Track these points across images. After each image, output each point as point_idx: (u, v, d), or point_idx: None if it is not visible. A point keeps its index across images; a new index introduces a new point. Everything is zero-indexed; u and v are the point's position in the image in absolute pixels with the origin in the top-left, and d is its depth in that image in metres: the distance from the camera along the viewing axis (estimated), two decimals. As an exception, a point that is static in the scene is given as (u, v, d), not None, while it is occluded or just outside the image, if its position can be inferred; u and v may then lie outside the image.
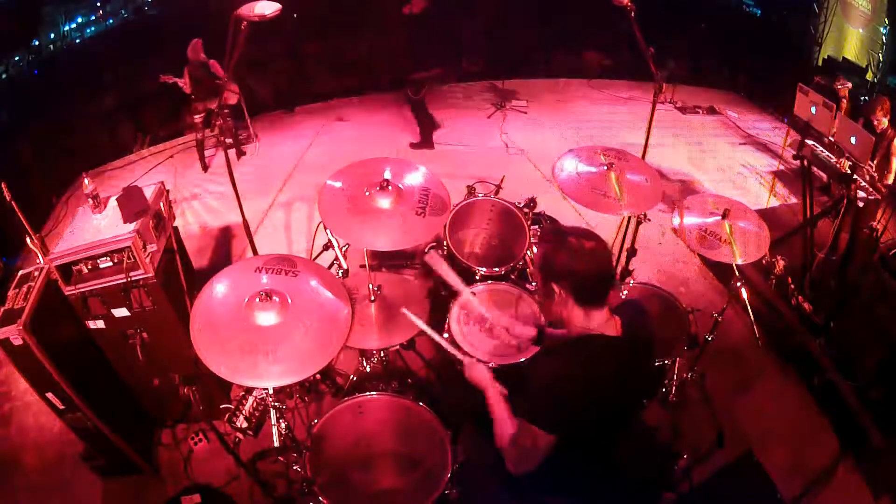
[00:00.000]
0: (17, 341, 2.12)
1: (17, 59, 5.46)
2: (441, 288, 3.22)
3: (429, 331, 2.14)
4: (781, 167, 5.55)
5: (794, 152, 4.03)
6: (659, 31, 3.70)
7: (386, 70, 7.25)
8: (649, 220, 3.04)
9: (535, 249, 3.13)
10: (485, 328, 2.53)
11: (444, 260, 2.30)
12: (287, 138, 6.38)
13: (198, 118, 5.45)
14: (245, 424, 2.15)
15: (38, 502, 2.82)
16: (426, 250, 3.36)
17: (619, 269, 3.40)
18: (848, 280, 3.49)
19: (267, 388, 2.06)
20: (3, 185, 2.49)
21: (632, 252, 3.37)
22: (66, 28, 6.10)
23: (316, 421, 2.28)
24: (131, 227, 2.39)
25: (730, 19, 7.43)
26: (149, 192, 2.60)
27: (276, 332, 1.86)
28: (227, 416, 2.16)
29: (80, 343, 2.53)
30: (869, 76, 5.78)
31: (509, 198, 3.30)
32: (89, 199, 2.50)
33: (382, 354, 2.94)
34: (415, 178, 2.47)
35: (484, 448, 1.90)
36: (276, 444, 2.14)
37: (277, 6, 2.50)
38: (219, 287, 2.00)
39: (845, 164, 3.80)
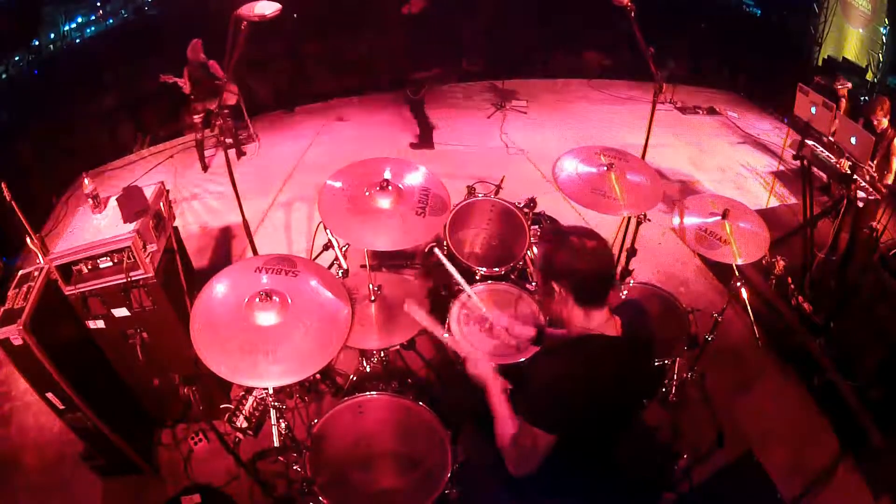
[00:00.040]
0: (17, 341, 2.12)
1: (17, 59, 5.46)
2: (441, 288, 3.23)
3: (430, 325, 2.11)
4: (781, 167, 5.55)
5: (794, 152, 4.03)
6: (659, 31, 3.71)
7: (386, 70, 7.25)
8: (649, 220, 3.03)
9: (535, 249, 3.13)
10: (485, 328, 2.53)
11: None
12: (287, 138, 6.38)
13: (197, 118, 5.45)
14: (245, 424, 2.15)
15: (38, 502, 2.82)
16: (427, 250, 3.37)
17: (619, 269, 3.40)
18: (848, 280, 3.49)
19: (267, 388, 2.06)
20: (3, 185, 2.49)
21: (632, 252, 3.37)
22: (66, 28, 6.10)
23: (316, 421, 2.28)
24: (131, 227, 2.39)
25: (730, 19, 7.43)
26: (149, 192, 2.60)
27: (276, 332, 1.86)
28: (227, 416, 2.16)
29: (80, 343, 2.53)
30: (869, 76, 5.78)
31: (509, 198, 3.30)
32: (89, 199, 2.50)
33: (382, 354, 2.94)
34: (415, 178, 2.47)
35: (484, 448, 1.90)
36: (276, 444, 2.14)
37: (277, 6, 2.50)
38: (219, 287, 2.00)
39: (845, 165, 3.80)
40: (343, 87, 7.46)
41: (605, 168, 2.73)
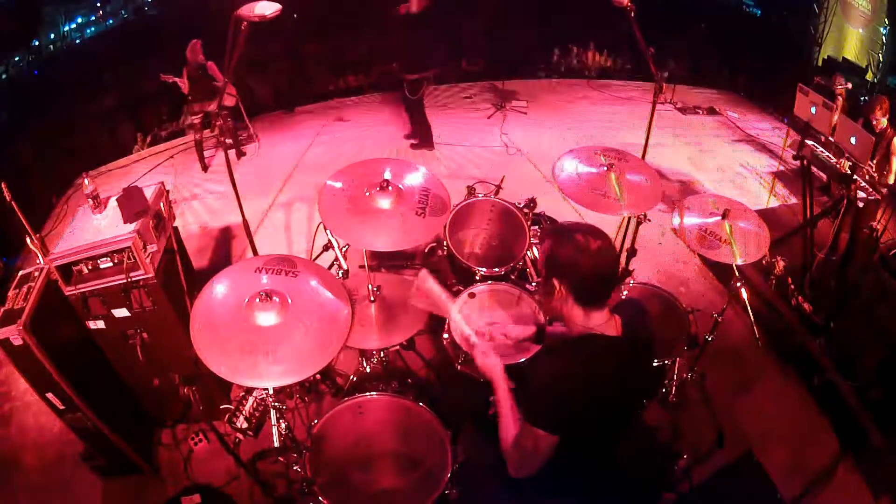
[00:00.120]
0: (17, 341, 2.12)
1: (17, 59, 5.47)
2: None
3: (443, 301, 2.01)
4: (781, 167, 5.55)
5: (794, 152, 4.03)
6: (659, 32, 3.71)
7: (386, 70, 7.25)
8: (649, 220, 3.03)
9: (535, 250, 3.13)
10: (486, 337, 2.53)
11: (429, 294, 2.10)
12: (287, 138, 6.38)
13: (195, 119, 5.45)
14: (245, 425, 2.15)
15: (38, 502, 2.82)
16: (426, 251, 3.37)
17: (619, 269, 3.40)
18: (848, 280, 3.49)
19: (267, 389, 2.06)
20: (3, 185, 2.50)
21: (632, 252, 3.37)
22: (66, 28, 6.10)
23: (316, 421, 2.28)
24: (131, 227, 2.39)
25: (730, 19, 7.44)
26: (149, 193, 2.60)
27: (276, 333, 1.86)
28: (227, 416, 2.16)
29: (80, 343, 2.53)
30: (869, 76, 5.79)
31: (509, 198, 3.30)
32: (89, 199, 2.50)
33: (382, 354, 2.94)
34: (415, 179, 2.47)
35: (484, 448, 1.90)
36: (276, 444, 2.14)
37: (277, 6, 2.50)
38: (219, 287, 2.00)
39: (845, 165, 3.81)
40: (343, 87, 7.47)
41: (605, 168, 2.73)
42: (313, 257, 3.17)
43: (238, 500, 2.61)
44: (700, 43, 7.49)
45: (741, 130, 6.42)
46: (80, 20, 6.26)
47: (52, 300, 2.34)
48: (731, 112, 6.80)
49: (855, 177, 3.44)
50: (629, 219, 3.25)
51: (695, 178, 5.40)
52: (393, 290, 2.80)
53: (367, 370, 2.96)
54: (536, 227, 3.31)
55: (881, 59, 5.62)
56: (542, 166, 5.44)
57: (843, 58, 6.11)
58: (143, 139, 6.38)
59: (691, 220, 2.71)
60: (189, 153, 5.96)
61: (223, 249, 4.55)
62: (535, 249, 3.13)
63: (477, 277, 2.95)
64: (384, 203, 2.32)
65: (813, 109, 4.23)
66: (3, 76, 5.29)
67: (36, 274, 2.35)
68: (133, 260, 2.36)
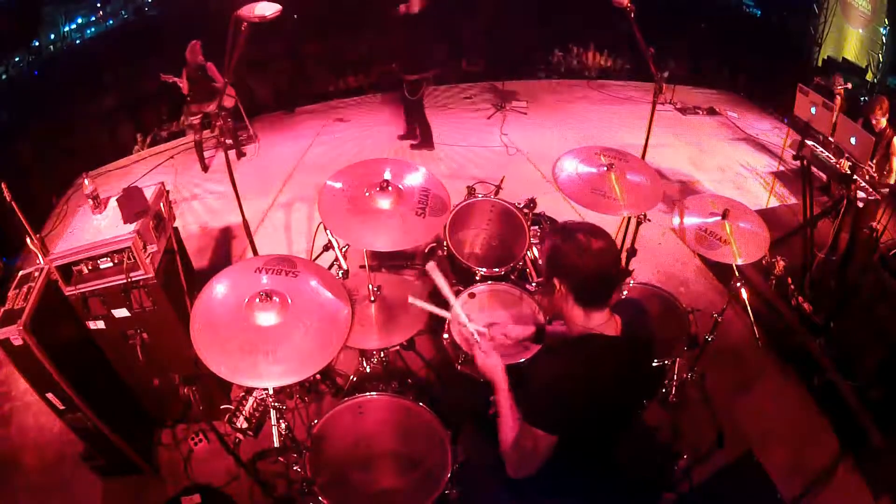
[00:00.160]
0: (17, 341, 2.13)
1: (17, 59, 5.48)
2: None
3: (446, 293, 2.04)
4: (781, 167, 5.55)
5: (794, 152, 4.03)
6: (659, 32, 3.71)
7: (386, 70, 7.26)
8: (649, 220, 3.03)
9: (535, 250, 3.13)
10: (486, 338, 2.53)
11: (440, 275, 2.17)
12: (287, 139, 6.38)
13: (194, 120, 5.45)
14: (245, 425, 2.15)
15: (38, 502, 2.82)
16: (426, 251, 3.37)
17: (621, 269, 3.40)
18: (848, 280, 3.49)
19: (267, 389, 2.06)
20: (3, 185, 2.50)
21: (632, 252, 3.37)
22: (66, 29, 6.11)
23: (316, 421, 2.28)
24: (131, 227, 2.39)
25: (730, 20, 7.45)
26: (149, 193, 2.61)
27: (276, 333, 1.86)
28: (227, 416, 2.16)
29: (80, 343, 2.53)
30: (869, 76, 5.79)
31: (509, 198, 3.30)
32: (89, 200, 2.50)
33: (382, 355, 2.94)
34: (415, 179, 2.47)
35: (484, 448, 1.89)
36: (276, 444, 2.14)
37: (278, 7, 2.50)
38: (219, 287, 2.00)
39: (845, 165, 3.81)
40: (343, 87, 7.47)
41: (605, 168, 2.73)
42: (313, 257, 3.17)
43: (238, 500, 2.61)
44: (700, 43, 7.49)
45: (741, 130, 6.42)
46: (80, 20, 6.27)
47: (52, 300, 2.34)
48: (731, 112, 6.80)
49: (855, 177, 3.44)
50: (629, 219, 3.25)
51: (695, 178, 5.40)
52: (393, 290, 2.80)
53: (367, 370, 2.96)
54: (536, 227, 3.31)
55: (881, 60, 5.63)
56: (542, 166, 5.44)
57: (843, 58, 6.12)
58: (143, 139, 6.39)
59: (691, 220, 2.71)
60: (189, 153, 5.96)
61: (223, 249, 4.55)
62: (534, 249, 3.13)
63: (477, 277, 2.95)
64: (384, 203, 2.32)
65: (813, 109, 4.23)
66: (3, 76, 5.30)
67: (36, 274, 2.35)
68: (133, 260, 2.36)
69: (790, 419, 3.09)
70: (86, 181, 2.51)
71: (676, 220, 2.74)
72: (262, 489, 2.51)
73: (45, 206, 5.20)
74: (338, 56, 7.50)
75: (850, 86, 5.10)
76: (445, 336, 2.62)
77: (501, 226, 3.31)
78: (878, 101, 4.18)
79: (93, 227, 2.45)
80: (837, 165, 3.81)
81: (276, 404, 2.10)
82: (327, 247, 2.85)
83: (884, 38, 5.55)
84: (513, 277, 3.04)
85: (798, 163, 3.92)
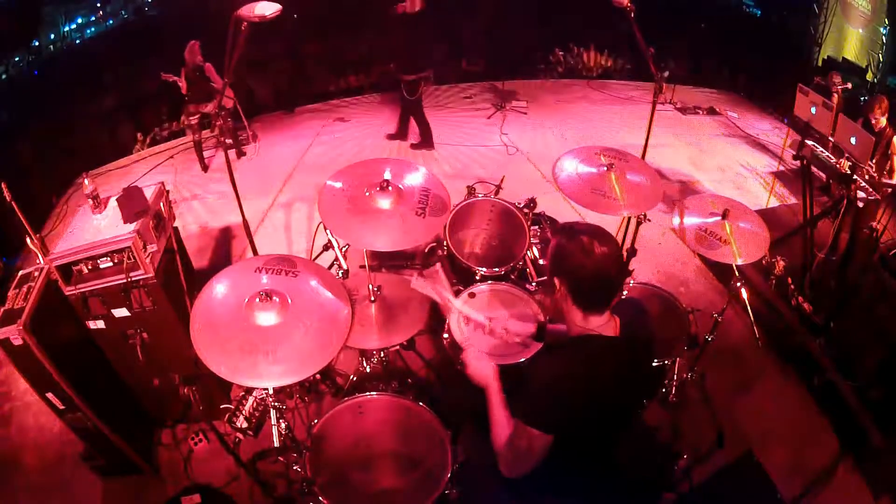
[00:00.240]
0: (17, 341, 2.12)
1: (17, 59, 5.48)
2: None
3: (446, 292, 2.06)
4: (781, 167, 5.55)
5: (794, 152, 4.04)
6: (659, 32, 3.71)
7: (385, 70, 7.26)
8: (649, 220, 3.03)
9: (535, 250, 3.13)
10: (486, 331, 2.53)
11: (434, 280, 2.23)
12: (287, 138, 6.38)
13: (192, 120, 5.45)
14: (245, 424, 2.15)
15: (38, 502, 2.82)
16: (426, 251, 3.36)
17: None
18: (848, 280, 3.49)
19: (267, 389, 2.06)
20: (3, 185, 2.50)
21: (632, 252, 3.36)
22: (66, 28, 6.12)
23: (316, 421, 2.28)
24: (131, 227, 2.39)
25: (730, 19, 7.46)
26: (149, 193, 2.60)
27: (276, 332, 1.86)
28: (227, 416, 2.16)
29: (80, 343, 2.53)
30: (869, 76, 5.79)
31: (509, 198, 3.30)
32: (89, 199, 2.50)
33: (382, 354, 2.94)
34: (415, 179, 2.46)
35: (484, 448, 1.89)
36: (276, 444, 2.14)
37: (277, 7, 2.50)
38: (219, 287, 2.00)
39: (845, 165, 3.81)
40: (343, 87, 7.48)
41: (605, 168, 2.73)
42: (313, 257, 3.17)
43: (238, 500, 2.61)
44: (700, 43, 7.50)
45: (741, 130, 6.42)
46: (80, 20, 6.27)
47: (52, 300, 2.34)
48: (731, 112, 6.80)
49: (855, 177, 3.44)
50: (629, 219, 3.25)
51: (695, 178, 5.41)
52: (393, 290, 2.80)
53: (367, 370, 2.96)
54: (536, 227, 3.31)
55: (881, 59, 5.63)
56: (542, 166, 5.43)
57: (843, 58, 6.12)
58: (143, 139, 6.39)
59: (691, 220, 2.71)
60: (189, 153, 5.96)
61: (223, 249, 4.55)
62: (535, 249, 3.13)
63: (477, 277, 2.95)
64: (384, 203, 2.32)
65: (813, 109, 4.24)
66: (3, 76, 5.30)
67: (36, 274, 2.35)
68: (133, 260, 2.36)
69: (790, 419, 3.09)
70: (86, 181, 2.51)
71: (676, 220, 2.74)
72: (262, 489, 2.51)
73: (45, 205, 5.20)
74: (338, 56, 7.51)
75: (849, 85, 5.10)
76: (445, 336, 2.62)
77: (501, 225, 3.31)
78: (877, 101, 4.18)
79: (93, 226, 2.45)
80: (837, 165, 3.81)
81: (276, 404, 2.10)
82: (327, 247, 2.85)
83: (884, 37, 5.55)
84: (513, 277, 3.04)
85: (798, 163, 3.92)
